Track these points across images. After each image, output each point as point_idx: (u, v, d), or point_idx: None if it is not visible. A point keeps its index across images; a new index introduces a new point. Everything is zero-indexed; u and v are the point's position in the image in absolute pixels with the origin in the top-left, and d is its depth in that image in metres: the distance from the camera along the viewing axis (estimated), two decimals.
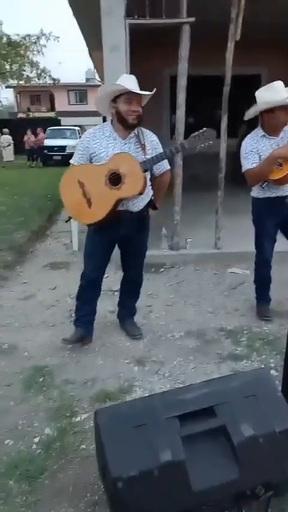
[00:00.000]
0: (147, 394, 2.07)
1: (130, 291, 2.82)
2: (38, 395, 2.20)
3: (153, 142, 2.43)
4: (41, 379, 2.34)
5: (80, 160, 2.39)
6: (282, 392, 1.63)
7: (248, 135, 2.72)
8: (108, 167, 2.27)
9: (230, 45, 3.65)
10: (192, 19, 3.56)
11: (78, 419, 2.01)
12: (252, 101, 2.66)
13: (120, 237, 2.46)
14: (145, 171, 2.32)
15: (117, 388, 2.24)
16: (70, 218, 2.57)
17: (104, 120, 2.49)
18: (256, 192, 2.80)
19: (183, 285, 3.65)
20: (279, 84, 2.54)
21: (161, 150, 2.41)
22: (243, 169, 2.68)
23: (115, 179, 2.26)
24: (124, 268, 2.74)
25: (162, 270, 3.98)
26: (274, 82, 2.55)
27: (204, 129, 2.38)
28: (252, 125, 8.66)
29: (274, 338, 2.70)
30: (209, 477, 1.34)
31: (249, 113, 2.67)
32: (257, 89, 2.62)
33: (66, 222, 2.47)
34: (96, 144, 2.34)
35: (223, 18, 3.65)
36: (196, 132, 2.37)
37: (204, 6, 4.59)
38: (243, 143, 2.70)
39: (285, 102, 2.48)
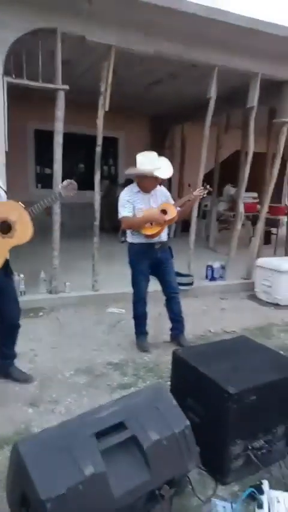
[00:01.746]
0: None
1: (11, 336, 2.75)
2: None
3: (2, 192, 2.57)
4: None
5: None
6: None
7: (126, 188, 3.20)
8: None
9: (100, 113, 4.20)
10: (66, 87, 4.00)
11: None
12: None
13: None
14: (31, 218, 2.45)
15: (13, 431, 2.19)
16: None
17: None
18: (130, 238, 3.24)
19: (65, 327, 3.75)
20: (151, 155, 3.04)
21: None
22: (120, 215, 3.13)
23: (4, 227, 2.35)
24: (3, 315, 2.68)
25: (41, 314, 3.99)
26: (148, 153, 3.05)
27: (71, 180, 2.67)
28: (113, 180, 9.50)
29: (154, 365, 3.04)
30: (126, 482, 1.50)
31: (129, 172, 3.14)
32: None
33: None
34: None
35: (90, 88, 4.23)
36: (65, 183, 2.65)
37: (77, 77, 5.19)
38: (121, 194, 3.17)
39: (148, 174, 3.01)
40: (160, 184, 3.24)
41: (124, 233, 3.35)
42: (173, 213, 3.10)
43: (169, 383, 2.53)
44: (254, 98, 4.87)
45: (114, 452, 1.55)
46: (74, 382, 2.76)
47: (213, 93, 4.69)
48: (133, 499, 1.51)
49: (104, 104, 4.18)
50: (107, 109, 4.19)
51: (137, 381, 2.79)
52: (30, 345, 3.28)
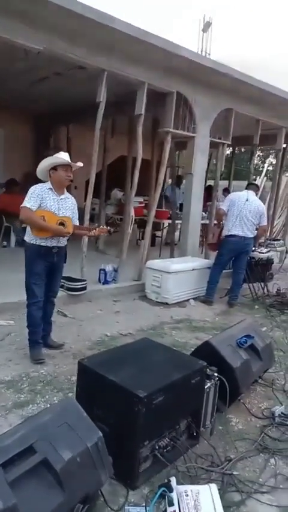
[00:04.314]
0: None
1: None
2: None
3: None
4: None
5: None
6: None
7: (40, 183, 3.13)
8: None
9: None
10: None
11: None
12: None
13: None
14: None
15: None
16: None
17: None
18: (28, 238, 3.12)
19: None
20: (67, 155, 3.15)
21: None
22: (23, 204, 3.02)
23: None
24: None
25: None
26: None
27: None
28: (6, 186, 8.73)
29: (52, 378, 2.89)
30: (40, 509, 1.39)
31: (49, 162, 3.11)
32: None
33: None
34: None
35: None
36: None
37: None
38: (32, 187, 3.08)
39: (65, 162, 3.08)
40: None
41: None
42: (69, 230, 3.15)
43: (70, 394, 2.46)
44: (141, 106, 5.05)
45: (24, 480, 1.42)
46: None
47: (102, 98, 4.70)
48: None
49: None
50: None
51: (35, 397, 2.60)
52: None
